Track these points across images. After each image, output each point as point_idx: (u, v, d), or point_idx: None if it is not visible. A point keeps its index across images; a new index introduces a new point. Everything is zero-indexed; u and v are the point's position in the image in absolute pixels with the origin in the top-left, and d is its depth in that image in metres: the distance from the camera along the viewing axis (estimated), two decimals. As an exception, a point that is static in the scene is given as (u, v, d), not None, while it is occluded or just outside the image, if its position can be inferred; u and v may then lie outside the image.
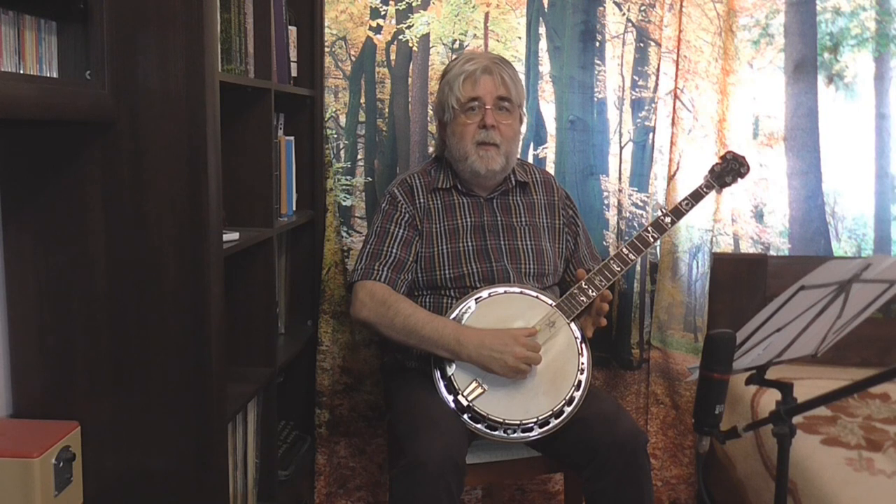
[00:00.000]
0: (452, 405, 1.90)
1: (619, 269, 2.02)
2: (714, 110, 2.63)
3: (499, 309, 1.97)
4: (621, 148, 2.63)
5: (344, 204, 2.61)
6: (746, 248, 2.74)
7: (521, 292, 2.00)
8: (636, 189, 2.64)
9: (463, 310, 1.96)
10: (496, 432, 1.90)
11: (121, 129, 1.63)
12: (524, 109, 2.19)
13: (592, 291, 1.98)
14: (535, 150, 2.63)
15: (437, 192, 2.14)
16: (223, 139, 1.73)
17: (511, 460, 2.04)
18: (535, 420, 1.89)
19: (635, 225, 2.63)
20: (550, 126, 2.64)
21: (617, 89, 2.62)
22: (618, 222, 2.65)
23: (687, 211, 2.13)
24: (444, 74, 2.15)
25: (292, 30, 2.46)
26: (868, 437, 2.06)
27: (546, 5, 2.60)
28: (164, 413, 1.71)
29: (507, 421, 1.88)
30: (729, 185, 2.21)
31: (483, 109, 2.06)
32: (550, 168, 2.63)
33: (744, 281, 2.66)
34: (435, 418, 1.84)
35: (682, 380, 2.65)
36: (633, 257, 2.04)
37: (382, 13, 2.56)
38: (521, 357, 1.86)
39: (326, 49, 2.56)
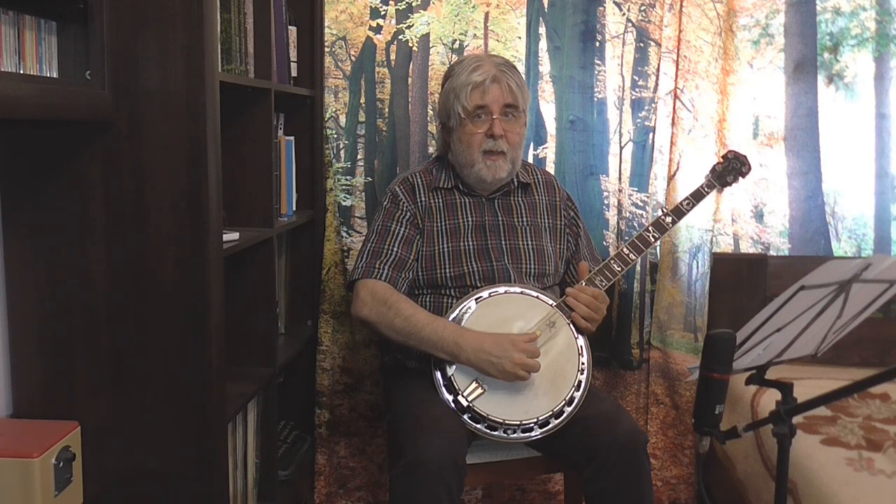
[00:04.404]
0: (452, 405, 1.90)
1: (619, 268, 2.03)
2: (714, 110, 2.63)
3: (499, 309, 1.97)
4: (621, 148, 2.63)
5: (344, 204, 2.61)
6: (746, 248, 2.74)
7: (521, 292, 2.00)
8: (636, 189, 2.64)
9: (463, 310, 1.96)
10: (496, 432, 1.90)
11: (121, 129, 1.63)
12: (527, 112, 2.18)
13: (592, 291, 1.98)
14: (535, 150, 2.63)
15: (439, 191, 2.14)
16: (223, 139, 1.73)
17: (511, 460, 2.04)
18: (535, 420, 1.89)
19: (635, 225, 2.63)
20: (550, 126, 2.63)
21: (617, 89, 2.62)
22: (618, 222, 2.64)
23: (688, 210, 2.13)
24: (446, 77, 2.14)
25: (292, 30, 2.46)
26: (868, 437, 2.06)
27: (546, 5, 2.60)
28: (164, 413, 1.70)
29: (507, 421, 1.88)
30: (730, 184, 2.21)
31: (490, 118, 2.05)
32: (550, 168, 2.63)
33: (744, 281, 2.66)
34: (435, 418, 1.84)
35: (682, 380, 2.65)
36: (633, 257, 2.05)
37: (382, 13, 2.56)
38: (519, 363, 1.86)
39: (326, 49, 2.56)
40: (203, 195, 1.65)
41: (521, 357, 1.86)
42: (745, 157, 2.22)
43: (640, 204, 2.64)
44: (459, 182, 2.14)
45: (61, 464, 1.59)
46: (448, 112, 2.10)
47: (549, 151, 2.64)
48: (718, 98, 2.63)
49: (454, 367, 1.91)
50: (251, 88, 2.05)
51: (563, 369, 1.94)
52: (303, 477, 2.55)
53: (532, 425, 1.89)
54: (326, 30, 2.55)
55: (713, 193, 2.20)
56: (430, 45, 2.58)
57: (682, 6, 2.58)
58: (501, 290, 2.00)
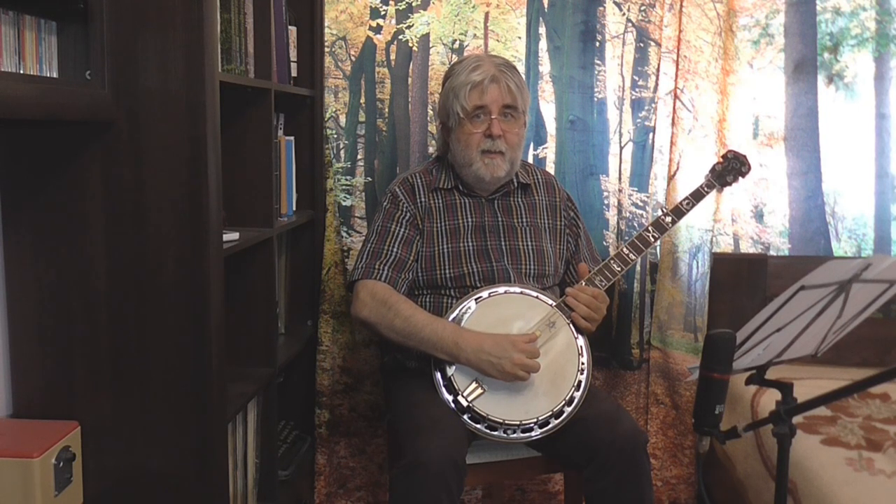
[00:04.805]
0: (452, 405, 1.90)
1: (619, 268, 2.02)
2: (714, 110, 2.63)
3: (499, 309, 1.97)
4: (621, 148, 2.63)
5: (344, 204, 2.61)
6: (746, 248, 2.74)
7: (521, 292, 2.00)
8: (636, 189, 2.64)
9: (463, 310, 1.96)
10: (496, 432, 1.90)
11: (121, 129, 1.63)
12: (527, 113, 2.18)
13: (592, 291, 1.98)
14: (535, 150, 2.63)
15: (439, 191, 2.14)
16: (223, 139, 1.73)
17: (511, 460, 2.04)
18: (535, 420, 1.89)
19: (635, 225, 2.63)
20: (550, 126, 2.63)
21: (617, 89, 2.62)
22: (618, 222, 2.64)
23: (688, 210, 2.13)
24: (447, 77, 2.14)
25: (292, 30, 2.46)
26: (868, 437, 2.06)
27: (546, 5, 2.60)
28: (164, 413, 1.71)
29: (506, 421, 1.88)
30: (730, 184, 2.21)
31: (489, 118, 2.05)
32: (550, 168, 2.63)
33: (744, 281, 2.66)
34: (435, 418, 1.84)
35: (682, 380, 2.65)
36: (633, 257, 2.04)
37: (382, 13, 2.56)
38: (518, 363, 1.86)
39: (326, 49, 2.56)
40: (203, 195, 1.65)
41: (521, 357, 1.86)
42: (744, 156, 2.22)
43: (640, 204, 2.64)
44: (459, 182, 2.14)
45: (61, 464, 1.59)
46: (447, 112, 2.10)
47: (549, 151, 2.64)
48: (718, 98, 2.63)
49: (454, 367, 1.91)
50: (251, 88, 2.05)
51: (563, 369, 1.94)
52: (303, 477, 2.55)
53: (532, 425, 1.89)
54: (326, 30, 2.55)
55: (713, 193, 2.20)
56: (430, 45, 2.58)
57: (682, 6, 2.58)
58: (501, 290, 2.00)
